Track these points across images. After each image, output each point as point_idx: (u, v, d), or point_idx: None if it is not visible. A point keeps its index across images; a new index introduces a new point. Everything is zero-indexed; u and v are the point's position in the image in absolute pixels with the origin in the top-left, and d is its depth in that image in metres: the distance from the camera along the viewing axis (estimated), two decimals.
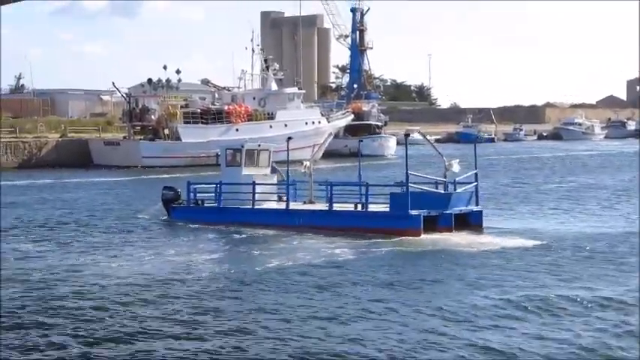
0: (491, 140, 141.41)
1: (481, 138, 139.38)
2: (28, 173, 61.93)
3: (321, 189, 32.52)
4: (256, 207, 31.80)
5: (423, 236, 28.07)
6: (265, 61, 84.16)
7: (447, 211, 29.49)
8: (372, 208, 30.26)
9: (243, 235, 29.04)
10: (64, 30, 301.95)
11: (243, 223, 30.65)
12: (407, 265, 23.61)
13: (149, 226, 32.13)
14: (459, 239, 27.98)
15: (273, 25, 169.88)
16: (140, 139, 74.37)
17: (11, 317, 17.40)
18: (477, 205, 30.97)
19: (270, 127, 76.64)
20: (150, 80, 78.50)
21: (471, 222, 30.22)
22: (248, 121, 77.67)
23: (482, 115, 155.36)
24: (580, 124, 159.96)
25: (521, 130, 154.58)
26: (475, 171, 31.80)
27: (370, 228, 28.87)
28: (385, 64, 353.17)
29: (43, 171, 64.05)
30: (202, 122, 75.15)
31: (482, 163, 78.53)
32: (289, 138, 33.54)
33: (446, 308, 17.89)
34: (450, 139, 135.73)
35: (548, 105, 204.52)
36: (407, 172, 29.13)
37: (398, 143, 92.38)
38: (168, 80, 77.87)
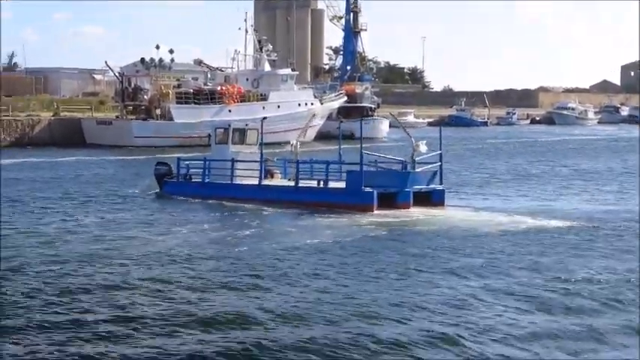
0: (485, 124, 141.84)
1: (474, 121, 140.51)
2: (20, 151, 62.15)
3: (307, 168, 34.33)
4: (235, 182, 34.01)
5: (377, 212, 30.03)
6: (259, 41, 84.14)
7: (406, 189, 31.30)
8: (335, 185, 32.40)
9: (216, 213, 30.72)
10: (59, 9, 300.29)
11: (222, 197, 33.10)
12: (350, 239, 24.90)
13: (141, 199, 34.39)
14: (412, 214, 29.92)
15: (266, 6, 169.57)
16: (132, 119, 74.50)
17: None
18: (440, 184, 32.79)
19: (263, 108, 76.78)
20: (143, 60, 78.51)
21: (433, 200, 31.91)
22: (241, 102, 77.78)
23: (476, 98, 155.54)
24: (573, 109, 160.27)
25: (514, 114, 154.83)
26: (439, 152, 33.39)
27: (329, 203, 31.08)
28: (379, 46, 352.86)
29: (35, 149, 64.28)
30: (195, 103, 75.23)
31: (473, 146, 79.71)
32: (264, 118, 36.17)
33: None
34: (443, 122, 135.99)
35: (541, 89, 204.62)
36: (361, 152, 31.22)
37: (390, 126, 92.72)
38: (161, 60, 77.83)
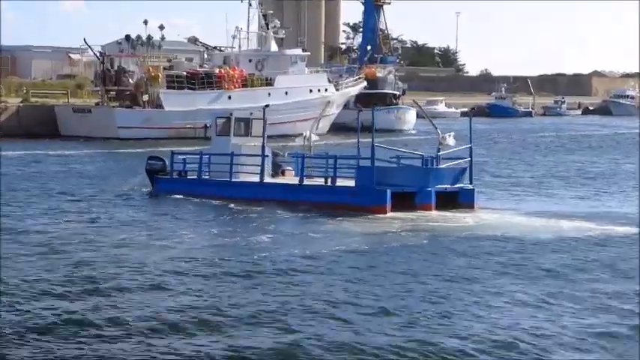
0: (528, 114, 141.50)
1: (516, 111, 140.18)
2: None
3: (321, 164, 34.46)
4: (233, 180, 34.34)
5: (391, 214, 30.35)
6: (264, 17, 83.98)
7: (428, 188, 31.38)
8: (344, 183, 32.51)
9: (213, 214, 31.33)
10: None
11: (219, 196, 33.62)
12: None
13: (132, 199, 35.02)
14: (432, 217, 30.10)
15: None
16: (115, 107, 74.44)
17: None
18: (470, 182, 32.77)
19: (269, 94, 76.64)
20: (128, 37, 78.40)
21: (460, 201, 32.03)
22: (243, 87, 77.67)
23: (518, 84, 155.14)
24: (633, 97, 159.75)
25: (563, 102, 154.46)
26: (469, 145, 33.38)
27: (336, 204, 31.36)
28: (405, 22, 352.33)
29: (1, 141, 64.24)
30: (189, 88, 75.14)
31: (515, 140, 79.37)
32: (266, 105, 36.25)
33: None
34: (480, 112, 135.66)
35: (595, 74, 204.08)
36: (372, 144, 31.16)
37: (418, 116, 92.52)
38: (149, 37, 77.67)
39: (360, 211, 30.47)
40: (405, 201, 31.14)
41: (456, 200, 32.10)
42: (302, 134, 36.25)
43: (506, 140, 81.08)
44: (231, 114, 37.10)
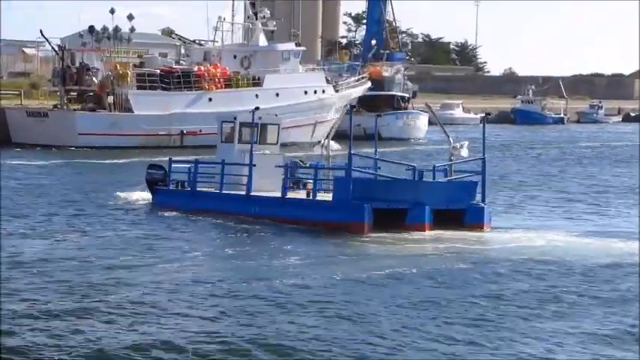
0: (560, 121, 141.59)
1: (545, 117, 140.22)
2: None
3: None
4: (224, 192, 35.83)
5: (374, 234, 30.79)
6: (252, 5, 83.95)
7: (424, 205, 31.72)
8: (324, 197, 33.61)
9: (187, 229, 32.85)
10: None
11: (210, 210, 35.08)
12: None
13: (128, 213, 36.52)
14: (423, 238, 30.62)
15: None
16: (76, 110, 74.35)
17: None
18: (483, 200, 32.99)
19: (257, 96, 76.50)
20: (92, 28, 78.28)
21: (466, 220, 32.38)
22: (226, 87, 77.62)
23: (548, 86, 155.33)
24: None
25: (600, 107, 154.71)
26: (482, 157, 33.72)
27: (315, 220, 32.28)
28: (415, 14, 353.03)
29: None
30: (162, 88, 75.08)
31: (545, 152, 79.34)
32: (256, 108, 37.52)
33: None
34: (504, 118, 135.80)
35: (639, 74, 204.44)
36: (350, 152, 31.97)
37: (430, 123, 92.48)
38: (116, 29, 77.56)
39: (337, 229, 31.13)
40: (395, 219, 31.42)
41: (462, 219, 32.42)
42: (320, 142, 36.71)
43: (533, 152, 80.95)
44: (235, 118, 38.21)
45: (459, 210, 32.54)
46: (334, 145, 36.47)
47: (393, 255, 28.27)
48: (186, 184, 37.77)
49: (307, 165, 36.20)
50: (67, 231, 32.04)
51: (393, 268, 25.78)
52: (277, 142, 37.97)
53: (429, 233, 31.35)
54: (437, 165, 34.84)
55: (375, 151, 36.82)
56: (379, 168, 35.50)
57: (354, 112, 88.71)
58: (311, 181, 35.61)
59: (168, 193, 37.84)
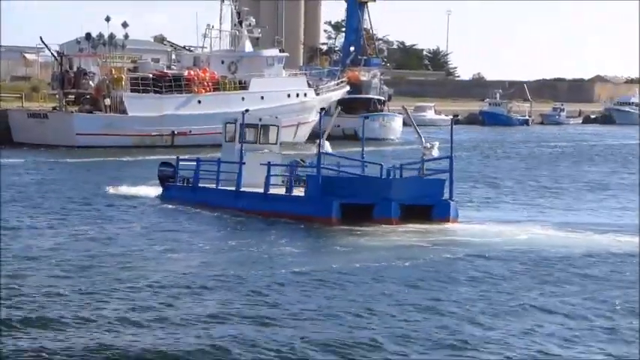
0: (525, 122, 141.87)
1: (511, 119, 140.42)
2: None
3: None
4: (220, 187, 37.03)
5: (341, 226, 31.37)
6: (238, 14, 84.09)
7: (388, 200, 32.14)
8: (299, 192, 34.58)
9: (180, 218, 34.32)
10: None
11: (204, 204, 36.40)
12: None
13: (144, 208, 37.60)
14: (385, 229, 30.96)
15: None
16: (74, 112, 74.35)
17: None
18: (450, 196, 33.26)
19: (243, 99, 76.66)
20: (88, 35, 78.27)
21: (434, 215, 32.69)
22: (214, 90, 77.74)
23: (514, 90, 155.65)
24: (638, 105, 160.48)
25: (562, 110, 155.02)
26: (449, 156, 33.86)
27: (290, 214, 33.10)
28: (391, 22, 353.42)
29: None
30: (155, 91, 75.16)
31: (509, 151, 79.66)
32: (246, 110, 38.23)
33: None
34: (473, 120, 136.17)
35: (598, 79, 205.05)
36: (319, 151, 33.39)
37: (404, 124, 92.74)
38: (111, 36, 77.53)
39: (308, 222, 32.09)
40: (364, 213, 31.98)
41: (429, 214, 32.70)
42: (316, 142, 37.10)
43: (500, 151, 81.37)
44: (235, 120, 38.72)
45: (427, 205, 32.86)
46: (327, 145, 36.63)
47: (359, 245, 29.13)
48: (190, 180, 38.83)
49: (307, 164, 36.46)
50: (80, 224, 32.67)
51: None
52: (277, 142, 38.75)
53: (394, 226, 31.65)
54: (403, 163, 35.48)
55: (362, 150, 37.40)
56: (366, 166, 36.17)
57: (333, 112, 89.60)
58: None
59: (175, 189, 39.21)
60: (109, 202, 38.41)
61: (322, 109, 40.40)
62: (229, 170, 36.66)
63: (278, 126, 39.10)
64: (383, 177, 33.64)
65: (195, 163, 39.47)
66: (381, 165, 34.44)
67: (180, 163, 40.35)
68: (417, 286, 22.93)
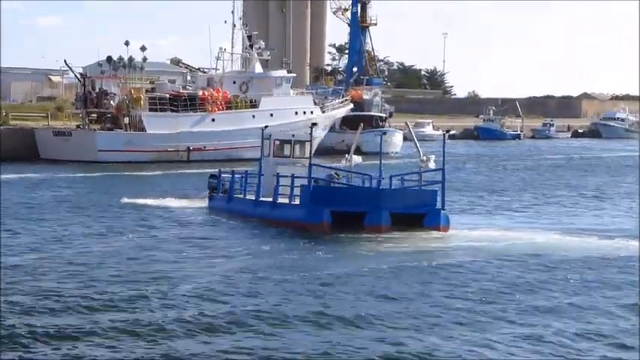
0: (517, 137, 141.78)
1: (504, 134, 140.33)
2: None
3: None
4: (246, 197, 37.97)
5: (331, 233, 31.30)
6: (249, 37, 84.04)
7: (378, 209, 31.96)
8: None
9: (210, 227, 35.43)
10: None
11: (233, 213, 37.14)
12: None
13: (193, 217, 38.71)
14: (370, 237, 30.91)
15: None
16: (96, 130, 74.29)
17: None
18: (442, 206, 32.88)
19: (253, 117, 76.62)
20: (109, 58, 78.31)
21: (425, 223, 32.40)
22: (227, 109, 77.64)
23: (507, 107, 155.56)
24: (623, 120, 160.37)
25: (552, 125, 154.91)
26: (441, 168, 33.76)
27: (284, 220, 33.49)
28: (391, 44, 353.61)
29: None
30: (172, 110, 75.10)
31: (502, 163, 79.53)
32: (265, 126, 39.06)
33: None
34: (468, 134, 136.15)
35: (585, 96, 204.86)
36: (310, 163, 33.70)
37: (405, 139, 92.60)
38: (131, 59, 77.61)
39: (300, 229, 32.05)
40: (355, 222, 31.81)
41: (421, 223, 32.46)
42: (345, 155, 37.02)
43: (493, 164, 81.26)
44: (270, 135, 39.13)
45: (418, 214, 32.60)
46: (356, 158, 36.40)
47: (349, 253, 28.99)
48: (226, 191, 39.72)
49: (341, 177, 35.77)
50: (125, 232, 33.28)
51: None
52: (308, 156, 37.62)
53: (384, 234, 31.39)
54: (393, 174, 35.43)
55: (380, 164, 35.84)
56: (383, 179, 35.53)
57: (338, 129, 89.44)
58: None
59: (217, 199, 40.23)
60: (146, 213, 38.86)
61: (313, 124, 39.68)
62: (262, 182, 36.86)
63: (309, 142, 38.29)
64: (374, 187, 33.66)
65: (229, 176, 40.13)
66: (370, 175, 34.63)
67: (223, 175, 41.01)
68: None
